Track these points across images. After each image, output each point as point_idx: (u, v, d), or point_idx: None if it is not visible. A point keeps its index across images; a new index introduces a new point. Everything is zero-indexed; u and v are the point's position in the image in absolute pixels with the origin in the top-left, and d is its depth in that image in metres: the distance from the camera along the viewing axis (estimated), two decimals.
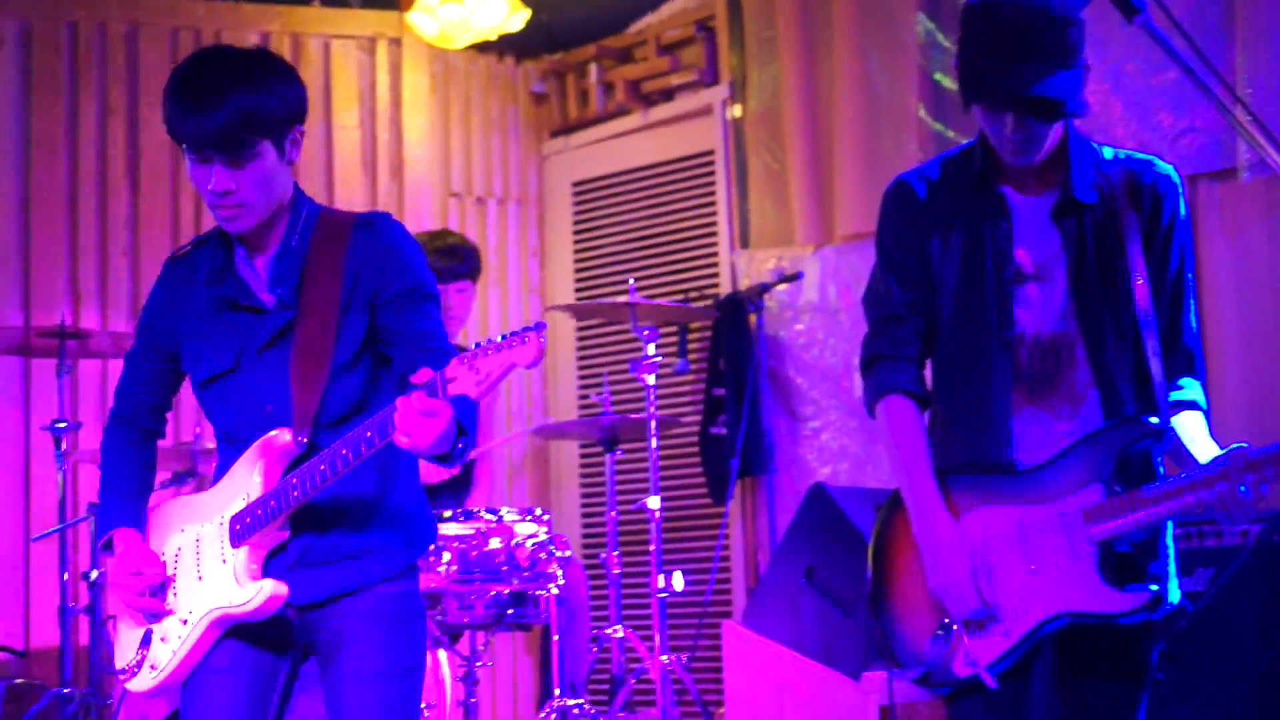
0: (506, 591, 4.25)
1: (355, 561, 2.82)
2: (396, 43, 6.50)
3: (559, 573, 4.27)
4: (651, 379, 4.78)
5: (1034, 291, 2.83)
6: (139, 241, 6.08)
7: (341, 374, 2.81)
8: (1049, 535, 2.73)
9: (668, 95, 6.51)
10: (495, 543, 4.24)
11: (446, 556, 4.18)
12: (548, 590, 4.27)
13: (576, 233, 6.77)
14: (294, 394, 2.79)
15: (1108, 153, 2.89)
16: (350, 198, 6.30)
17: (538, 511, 4.36)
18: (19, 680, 5.17)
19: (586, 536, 6.55)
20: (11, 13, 5.99)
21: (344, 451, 2.65)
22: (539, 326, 2.46)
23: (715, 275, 6.27)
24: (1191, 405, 2.82)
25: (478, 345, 2.48)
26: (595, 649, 4.90)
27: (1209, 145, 4.81)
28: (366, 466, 2.75)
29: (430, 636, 4.19)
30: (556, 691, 4.45)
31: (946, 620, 2.77)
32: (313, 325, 2.80)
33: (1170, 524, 2.79)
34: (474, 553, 4.23)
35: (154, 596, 2.86)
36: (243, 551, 2.79)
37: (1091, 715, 2.78)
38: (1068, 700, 2.77)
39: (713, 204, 6.32)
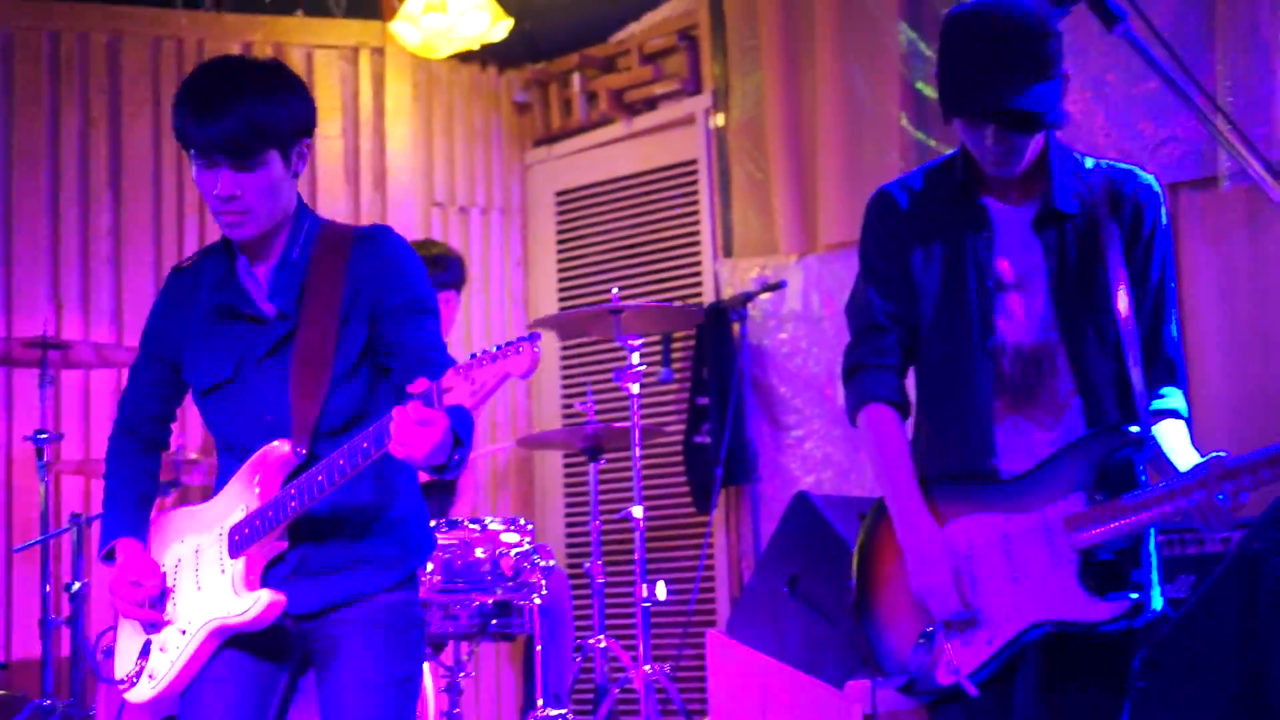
0: (491, 601, 4.25)
1: (353, 571, 2.84)
2: (379, 52, 6.50)
3: (543, 582, 4.27)
4: (635, 388, 4.78)
5: (1016, 301, 2.84)
6: (121, 251, 6.07)
7: (341, 385, 2.83)
8: (1031, 544, 2.74)
9: (651, 104, 6.52)
10: (480, 552, 4.25)
11: (430, 566, 4.19)
12: (531, 600, 4.27)
13: (560, 242, 6.77)
14: (293, 404, 2.81)
15: (1089, 163, 2.91)
16: (333, 207, 6.30)
17: (522, 521, 4.36)
18: (0, 692, 5.15)
19: (570, 546, 6.54)
20: None
21: (341, 462, 2.67)
22: (533, 337, 2.48)
23: (699, 284, 6.27)
24: (1173, 414, 2.83)
25: (473, 356, 2.50)
26: (579, 659, 4.90)
27: (1190, 154, 4.83)
28: (365, 477, 2.77)
29: None
30: (540, 701, 4.44)
31: (929, 628, 2.77)
32: (312, 336, 2.82)
33: (1153, 531, 2.80)
34: (458, 562, 4.23)
35: (154, 607, 2.88)
36: (241, 562, 2.80)
37: None
38: (1050, 708, 2.77)
39: (696, 213, 6.32)
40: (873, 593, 2.89)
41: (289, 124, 2.80)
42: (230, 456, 2.90)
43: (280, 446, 2.80)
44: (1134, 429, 2.73)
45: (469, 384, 2.47)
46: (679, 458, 6.06)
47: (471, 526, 4.26)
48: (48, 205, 5.99)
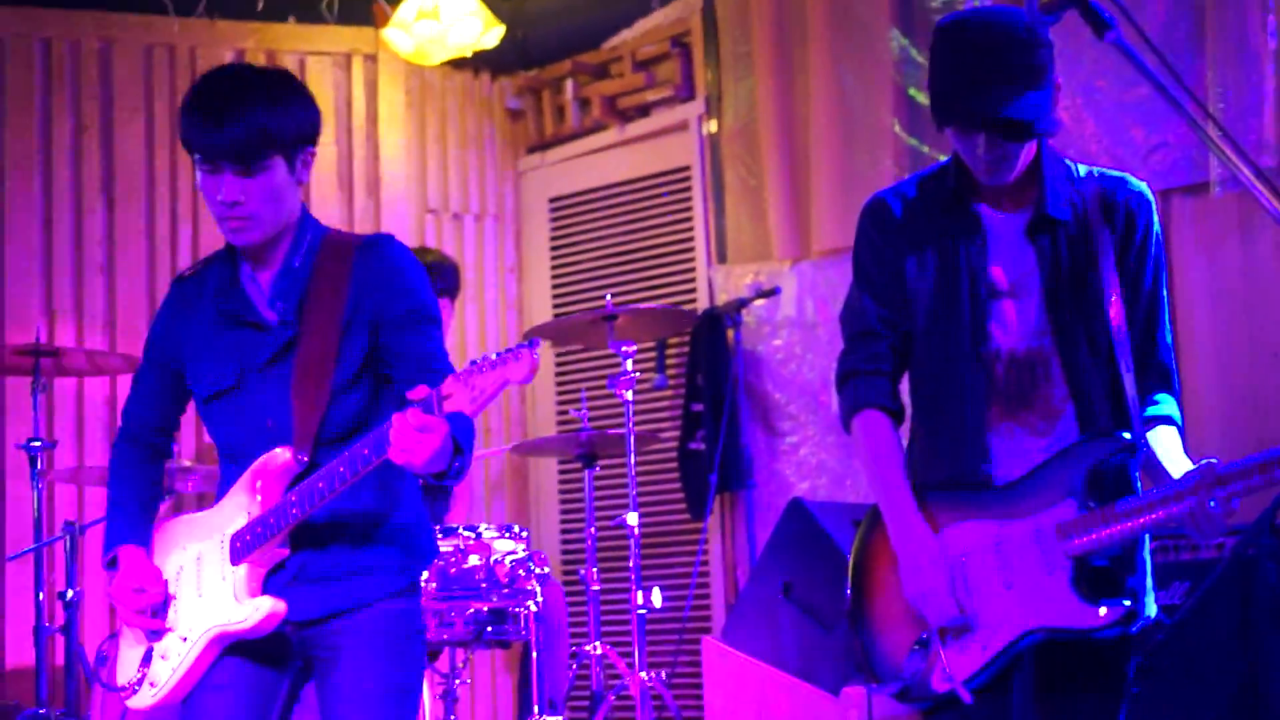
0: (486, 608, 4.25)
1: (355, 579, 2.84)
2: (372, 59, 6.50)
3: (538, 589, 4.27)
4: (630, 395, 4.78)
5: (1009, 308, 2.85)
6: (114, 258, 6.07)
7: (342, 393, 2.84)
8: (1025, 550, 2.74)
9: (644, 111, 6.52)
10: (474, 559, 4.24)
11: (425, 574, 4.17)
12: (527, 607, 4.27)
13: (553, 249, 6.77)
14: (295, 411, 2.82)
15: (1081, 170, 2.91)
16: (327, 214, 6.27)
17: (516, 528, 4.36)
18: None
19: (565, 553, 6.54)
20: None
21: (341, 469, 2.68)
22: (533, 343, 2.52)
23: (693, 290, 6.28)
24: (1166, 420, 2.84)
25: (473, 363, 2.52)
26: (574, 666, 4.90)
27: (1181, 161, 4.84)
28: (367, 484, 2.78)
29: None
30: (536, 709, 4.44)
31: (925, 634, 2.78)
32: (314, 344, 2.83)
33: (1147, 537, 2.81)
34: (453, 569, 4.23)
35: (156, 614, 2.88)
36: (242, 569, 2.81)
37: None
38: (1045, 714, 2.77)
39: (689, 219, 6.33)
40: (868, 599, 2.90)
41: (294, 131, 2.82)
42: (232, 464, 2.90)
43: (281, 454, 2.81)
44: (1126, 435, 2.74)
45: (469, 390, 2.48)
46: (674, 464, 6.06)
47: (466, 534, 4.26)
48: (40, 213, 5.99)
